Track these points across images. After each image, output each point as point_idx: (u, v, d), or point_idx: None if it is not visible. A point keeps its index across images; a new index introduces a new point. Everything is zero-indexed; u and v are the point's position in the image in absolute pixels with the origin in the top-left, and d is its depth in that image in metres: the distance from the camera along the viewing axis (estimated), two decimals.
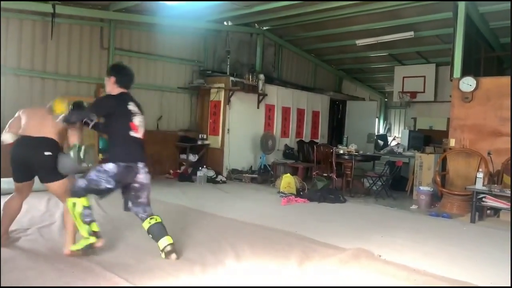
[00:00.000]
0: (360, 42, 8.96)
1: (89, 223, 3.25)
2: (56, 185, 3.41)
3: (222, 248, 3.69)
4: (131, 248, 3.57)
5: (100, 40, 7.38)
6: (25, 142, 3.37)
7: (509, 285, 3.21)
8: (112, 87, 3.44)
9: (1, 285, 2.53)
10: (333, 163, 6.90)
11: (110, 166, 3.22)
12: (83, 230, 3.24)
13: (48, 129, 3.38)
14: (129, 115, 3.33)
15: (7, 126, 3.56)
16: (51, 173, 3.36)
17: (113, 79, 3.44)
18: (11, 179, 3.54)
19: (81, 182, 3.24)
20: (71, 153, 3.27)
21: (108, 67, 4.09)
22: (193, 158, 8.32)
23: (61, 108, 3.39)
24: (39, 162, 3.33)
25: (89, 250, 3.26)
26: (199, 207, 5.44)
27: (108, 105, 3.35)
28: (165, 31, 8.08)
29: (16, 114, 3.57)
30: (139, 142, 3.38)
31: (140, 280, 2.86)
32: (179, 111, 8.68)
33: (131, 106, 3.37)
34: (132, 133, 3.33)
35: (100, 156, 7.12)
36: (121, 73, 3.51)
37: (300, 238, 4.18)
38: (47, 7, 6.38)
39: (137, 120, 3.37)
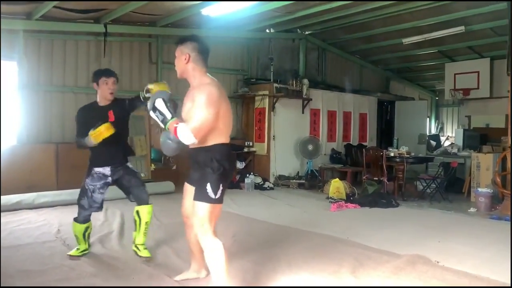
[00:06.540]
0: (407, 40, 8.69)
1: None
2: None
3: (274, 256, 3.71)
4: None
5: (149, 55, 7.70)
6: None
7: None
8: None
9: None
10: (384, 166, 6.71)
11: None
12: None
13: None
14: None
15: None
16: None
17: None
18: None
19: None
20: None
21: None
22: (240, 165, 8.42)
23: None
24: None
25: None
26: (248, 214, 5.50)
27: None
28: (209, 43, 8.25)
29: None
30: None
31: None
32: None
33: None
34: None
35: (153, 166, 7.42)
36: None
37: (352, 244, 4.10)
38: (99, 28, 6.76)
39: None
